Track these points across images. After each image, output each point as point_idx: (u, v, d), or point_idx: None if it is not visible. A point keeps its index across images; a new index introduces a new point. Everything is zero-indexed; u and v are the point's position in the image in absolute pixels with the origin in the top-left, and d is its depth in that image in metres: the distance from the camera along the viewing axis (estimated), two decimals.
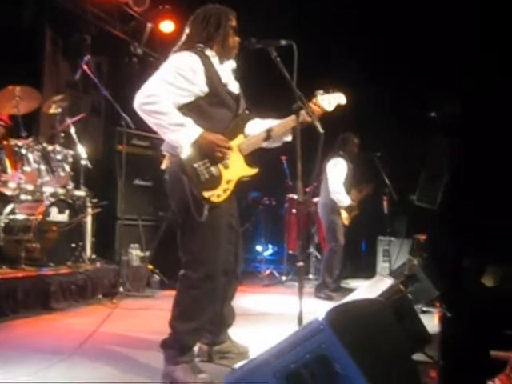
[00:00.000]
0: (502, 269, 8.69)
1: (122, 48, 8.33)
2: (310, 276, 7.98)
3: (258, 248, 8.98)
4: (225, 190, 3.10)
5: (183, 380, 3.00)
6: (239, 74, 3.58)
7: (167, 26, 8.48)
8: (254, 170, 3.26)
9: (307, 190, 7.83)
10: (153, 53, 8.50)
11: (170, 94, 3.02)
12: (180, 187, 3.01)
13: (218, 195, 3.06)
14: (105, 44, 8.07)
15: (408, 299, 3.43)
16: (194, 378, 3.01)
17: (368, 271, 7.63)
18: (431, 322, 5.16)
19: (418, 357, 3.54)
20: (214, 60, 3.24)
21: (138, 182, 6.96)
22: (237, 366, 2.46)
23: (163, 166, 3.19)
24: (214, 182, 3.07)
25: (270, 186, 8.67)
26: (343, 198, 6.45)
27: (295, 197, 7.80)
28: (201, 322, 3.14)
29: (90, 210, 6.25)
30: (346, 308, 2.25)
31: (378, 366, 2.18)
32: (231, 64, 3.38)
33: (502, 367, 3.80)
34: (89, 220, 6.26)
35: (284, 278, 7.70)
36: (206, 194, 3.02)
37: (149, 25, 8.47)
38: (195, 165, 3.01)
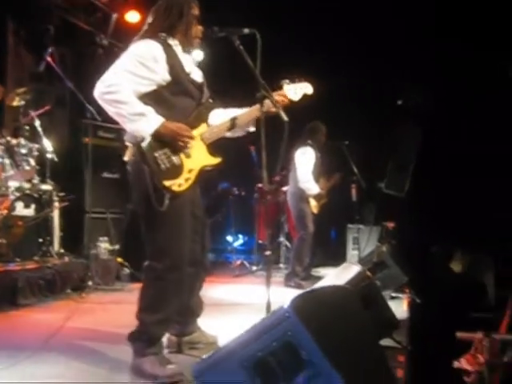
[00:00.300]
0: (469, 255, 8.84)
1: (87, 39, 8.21)
2: (281, 265, 8.00)
3: (229, 238, 8.97)
4: (186, 180, 3.08)
5: (151, 372, 2.99)
6: (203, 63, 3.56)
7: (133, 16, 8.38)
8: (216, 160, 3.25)
9: (276, 179, 7.86)
10: (119, 43, 8.40)
11: (131, 82, 2.98)
12: (141, 177, 2.98)
13: (179, 184, 3.04)
14: (69, 35, 7.93)
15: (375, 286, 3.45)
16: (162, 370, 2.99)
17: (338, 259, 7.65)
18: (400, 307, 5.23)
19: (386, 342, 3.59)
20: (177, 49, 3.21)
21: (105, 174, 6.89)
22: (205, 356, 2.45)
23: (126, 158, 3.16)
24: (175, 171, 3.04)
25: (239, 176, 8.68)
26: (312, 187, 6.48)
27: (267, 187, 7.80)
28: (167, 312, 3.12)
29: (56, 204, 6.15)
30: (311, 295, 2.25)
31: (345, 352, 2.19)
32: (198, 55, 3.36)
33: (468, 348, 3.89)
34: (56, 214, 6.17)
35: (254, 267, 7.70)
36: (167, 183, 2.99)
37: (114, 15, 8.36)
38: (156, 154, 2.98)
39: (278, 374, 2.19)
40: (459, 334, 4.05)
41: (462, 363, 3.93)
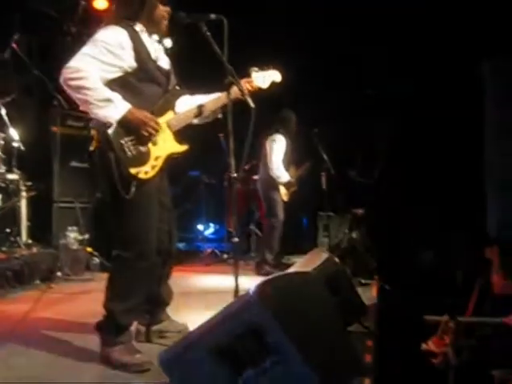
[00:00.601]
0: (437, 241, 8.95)
1: (54, 27, 8.07)
2: (252, 253, 8.01)
3: (200, 227, 8.94)
4: (153, 167, 3.06)
5: (119, 361, 2.97)
6: (170, 50, 3.53)
7: (101, 3, 8.25)
8: (183, 147, 3.23)
9: (247, 167, 7.85)
10: (87, 31, 8.28)
11: (97, 69, 2.95)
12: (107, 164, 2.95)
13: (145, 172, 3.02)
14: (36, 22, 7.79)
15: (343, 271, 3.49)
16: (130, 359, 2.98)
17: (309, 247, 7.66)
18: (369, 293, 5.27)
19: (354, 327, 3.63)
20: (143, 35, 3.17)
21: (74, 163, 6.79)
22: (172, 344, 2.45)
23: (91, 148, 3.12)
24: (142, 158, 3.02)
25: (209, 165, 8.65)
26: (282, 175, 6.49)
27: (235, 174, 7.78)
28: (135, 301, 3.10)
29: (24, 194, 6.06)
30: (277, 281, 2.26)
31: (310, 337, 2.21)
32: (166, 42, 3.33)
33: (435, 331, 3.97)
34: (23, 204, 6.07)
35: (225, 256, 7.69)
36: (133, 171, 2.97)
37: (82, 2, 8.23)
38: (122, 141, 2.96)
39: (244, 360, 2.20)
40: (427, 317, 4.13)
41: (429, 345, 4.02)
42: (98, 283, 5.68)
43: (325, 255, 3.43)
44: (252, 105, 3.07)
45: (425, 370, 4.40)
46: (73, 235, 6.34)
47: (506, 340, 4.26)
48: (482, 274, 5.24)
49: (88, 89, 2.90)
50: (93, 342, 3.24)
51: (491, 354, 4.28)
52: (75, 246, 6.30)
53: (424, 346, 4.04)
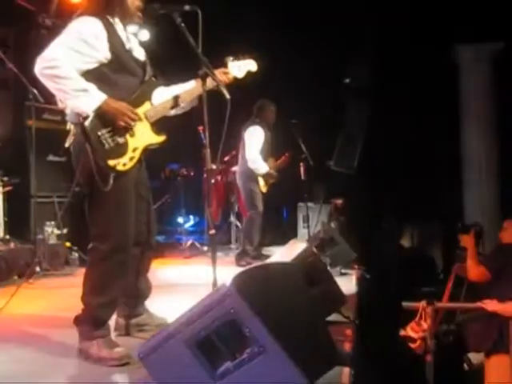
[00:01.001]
0: (418, 230, 9.04)
1: (29, 20, 7.97)
2: (232, 245, 8.00)
3: (180, 220, 8.91)
4: (131, 158, 3.04)
5: (98, 355, 2.95)
6: (145, 41, 3.50)
7: None
8: (161, 138, 3.20)
9: (226, 158, 7.84)
10: (62, 24, 8.16)
11: (73, 59, 2.91)
12: (84, 157, 2.93)
13: (123, 164, 2.99)
14: (10, 15, 7.69)
15: (321, 261, 3.49)
16: (108, 353, 2.96)
17: (289, 238, 7.66)
18: (349, 283, 5.30)
19: (334, 317, 3.64)
20: (118, 26, 3.14)
21: (51, 157, 6.73)
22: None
23: (67, 144, 3.09)
24: (120, 150, 2.99)
25: (188, 157, 8.62)
26: (260, 166, 6.48)
27: (214, 166, 7.77)
28: (113, 294, 3.08)
29: (0, 189, 6.00)
30: (253, 272, 2.25)
31: (288, 328, 2.21)
32: (143, 35, 3.30)
33: (413, 316, 4.04)
34: (0, 199, 6.03)
35: (205, 248, 7.67)
36: (112, 163, 2.94)
37: None
38: (99, 132, 2.93)
39: (222, 352, 2.21)
40: (405, 304, 4.18)
41: (408, 331, 4.10)
42: (78, 278, 5.57)
43: (303, 246, 3.43)
44: (227, 96, 3.06)
45: (404, 356, 4.48)
46: (51, 230, 6.28)
47: (481, 324, 4.35)
48: (458, 260, 5.33)
49: (63, 78, 2.86)
50: (72, 336, 3.20)
51: (468, 338, 4.38)
52: (53, 241, 6.26)
53: (402, 332, 4.12)
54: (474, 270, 4.90)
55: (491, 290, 4.60)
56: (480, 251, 5.36)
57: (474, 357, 4.71)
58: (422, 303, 4.15)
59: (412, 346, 4.21)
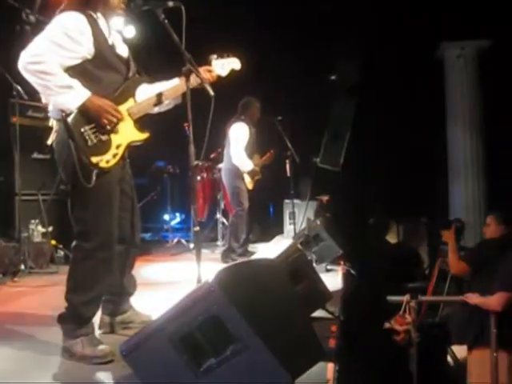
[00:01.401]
0: (403, 226, 9.08)
1: (12, 16, 7.90)
2: (218, 243, 8.00)
3: (166, 217, 8.88)
4: (114, 155, 3.02)
5: (81, 353, 2.95)
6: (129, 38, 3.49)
7: None
8: (144, 135, 3.19)
9: (212, 155, 7.83)
10: (47, 20, 8.10)
11: (57, 55, 2.89)
12: (67, 153, 2.91)
13: (107, 160, 2.98)
14: None
15: (306, 258, 3.50)
16: (92, 351, 2.95)
17: (276, 234, 7.70)
18: (335, 279, 5.31)
19: (319, 313, 3.65)
20: (101, 22, 3.12)
21: (35, 155, 6.67)
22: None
23: (49, 141, 3.07)
24: (103, 146, 2.98)
25: (174, 154, 8.58)
26: (245, 163, 6.47)
27: (199, 163, 7.76)
28: (97, 292, 3.07)
29: None
30: (236, 269, 2.26)
31: (271, 324, 2.21)
32: (129, 31, 3.28)
33: (398, 310, 4.10)
34: None
35: (192, 245, 7.66)
36: (95, 160, 2.93)
37: None
38: (82, 129, 2.91)
39: (205, 349, 2.21)
40: (389, 298, 4.24)
41: (392, 324, 4.17)
42: (63, 276, 5.53)
43: (288, 242, 3.43)
44: (211, 93, 3.06)
45: (388, 350, 4.53)
46: (36, 228, 6.24)
47: (464, 317, 4.41)
48: (442, 255, 5.41)
49: (48, 73, 2.84)
50: (56, 334, 3.18)
51: (451, 330, 4.45)
52: (39, 239, 6.20)
53: (387, 325, 4.19)
54: (455, 265, 5.00)
55: (473, 284, 4.71)
56: (462, 245, 5.42)
57: (458, 349, 4.77)
58: (406, 297, 4.30)
59: (396, 338, 4.28)
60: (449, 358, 4.89)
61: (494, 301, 4.15)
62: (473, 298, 4.31)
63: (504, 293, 4.15)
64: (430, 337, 4.46)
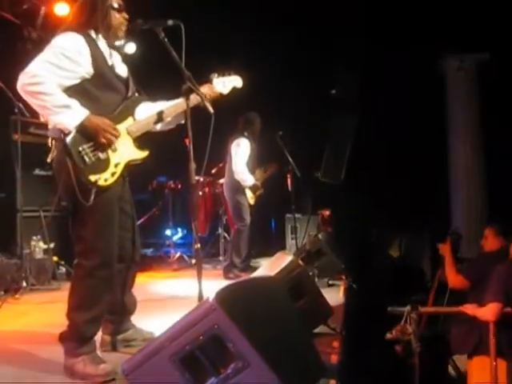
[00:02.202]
0: (405, 240, 9.07)
1: (14, 32, 7.95)
2: (220, 258, 7.99)
3: (168, 232, 8.87)
4: (112, 174, 3.04)
5: (83, 372, 2.94)
6: (131, 56, 3.51)
7: (62, 9, 8.13)
8: (143, 153, 3.21)
9: (213, 171, 7.84)
10: (48, 37, 8.15)
11: (55, 75, 2.92)
12: (65, 172, 2.93)
13: (105, 179, 2.99)
14: None
15: (307, 273, 3.50)
16: (94, 369, 2.94)
17: (278, 249, 7.66)
18: (337, 294, 5.30)
19: (321, 329, 3.65)
20: (100, 43, 3.15)
21: (37, 171, 6.70)
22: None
23: (49, 159, 3.09)
24: (101, 165, 3.00)
25: (176, 170, 8.59)
26: (247, 178, 6.49)
27: (201, 179, 7.78)
28: (98, 310, 3.08)
29: None
30: (237, 287, 2.26)
31: (272, 342, 2.21)
32: (130, 47, 3.30)
33: (399, 320, 4.18)
34: None
35: (194, 261, 7.64)
36: (93, 178, 2.94)
37: (42, 8, 8.12)
38: (80, 148, 2.93)
39: (206, 367, 2.20)
40: (390, 309, 4.32)
41: (393, 334, 4.23)
42: (65, 293, 5.51)
43: (289, 258, 3.44)
44: (211, 111, 3.09)
45: (390, 362, 4.57)
46: (38, 244, 6.24)
47: (463, 327, 4.52)
48: (441, 267, 5.42)
49: (45, 94, 2.87)
50: (58, 353, 3.18)
51: (451, 341, 4.50)
52: (40, 256, 6.20)
53: (389, 336, 4.25)
54: (453, 279, 5.01)
55: (470, 296, 4.72)
56: (460, 257, 5.43)
57: (459, 360, 4.81)
58: (407, 308, 4.34)
59: (397, 348, 4.34)
60: (450, 369, 4.90)
61: (487, 311, 4.20)
62: (470, 309, 4.37)
63: (496, 303, 4.17)
64: (430, 347, 4.49)
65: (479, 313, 4.27)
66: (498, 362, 4.19)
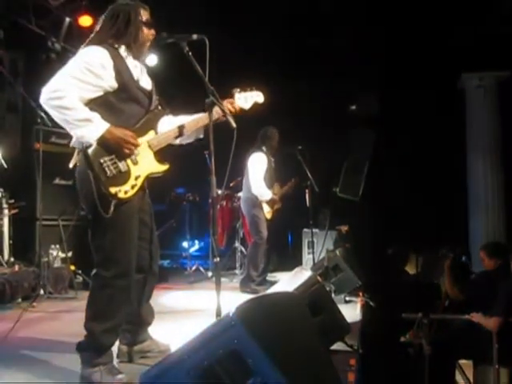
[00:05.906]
0: (422, 256, 9.02)
1: (39, 43, 8.05)
2: (236, 271, 7.98)
3: (185, 244, 8.89)
4: (133, 186, 3.06)
5: (100, 382, 2.95)
6: (154, 69, 3.53)
7: (86, 20, 8.24)
8: (164, 167, 3.23)
9: (231, 184, 7.85)
10: (72, 48, 8.24)
11: (77, 88, 2.95)
12: (87, 183, 2.95)
13: (125, 191, 3.01)
14: (20, 39, 7.76)
15: (325, 290, 3.49)
16: (111, 380, 2.95)
17: (294, 264, 7.65)
18: (354, 311, 5.27)
19: (338, 346, 3.62)
20: (125, 55, 3.18)
21: (57, 181, 6.77)
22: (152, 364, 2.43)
23: (71, 165, 3.12)
24: (122, 177, 3.02)
25: (194, 182, 8.63)
26: (264, 193, 6.49)
27: (219, 192, 7.77)
28: (116, 321, 3.09)
29: (6, 212, 6.03)
30: (257, 302, 2.25)
31: (291, 358, 2.20)
32: (151, 60, 3.32)
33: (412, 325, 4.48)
34: (5, 222, 6.05)
35: (210, 273, 7.65)
36: (113, 190, 2.96)
37: (67, 19, 8.22)
38: (101, 160, 2.95)
39: (225, 383, 2.19)
40: (404, 315, 5.03)
41: (407, 338, 4.60)
42: (82, 302, 5.59)
43: (307, 274, 3.43)
44: (234, 125, 3.10)
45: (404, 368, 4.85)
46: (56, 253, 6.29)
47: (471, 334, 4.91)
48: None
49: (67, 108, 2.91)
50: (74, 362, 3.19)
51: (459, 345, 4.92)
52: (58, 264, 6.25)
53: (403, 339, 4.57)
54: (449, 289, 5.56)
55: (469, 307, 5.19)
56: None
57: (465, 364, 5.19)
58: (419, 314, 4.97)
59: (410, 350, 4.69)
60: (457, 375, 5.12)
61: (491, 323, 4.74)
62: (477, 317, 4.90)
63: (498, 318, 4.71)
64: (439, 351, 4.82)
65: (484, 322, 4.80)
66: (500, 369, 4.71)
